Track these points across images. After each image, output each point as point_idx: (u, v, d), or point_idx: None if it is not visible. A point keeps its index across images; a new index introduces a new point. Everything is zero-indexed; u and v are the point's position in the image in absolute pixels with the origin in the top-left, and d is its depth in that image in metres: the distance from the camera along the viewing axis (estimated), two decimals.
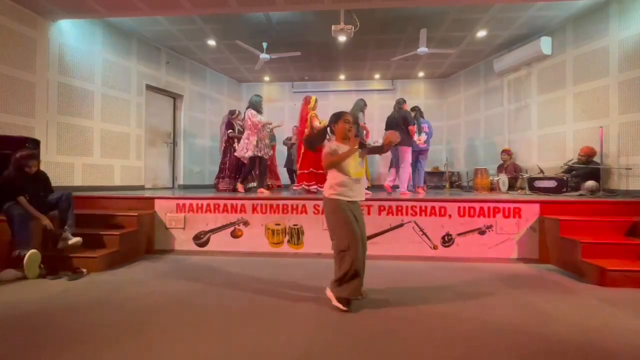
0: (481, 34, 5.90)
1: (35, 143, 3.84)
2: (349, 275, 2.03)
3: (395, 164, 5.23)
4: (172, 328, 1.84)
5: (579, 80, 5.26)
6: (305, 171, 4.77)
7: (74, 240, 2.98)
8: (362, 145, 2.20)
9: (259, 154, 4.94)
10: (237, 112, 5.83)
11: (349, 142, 2.17)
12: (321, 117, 5.07)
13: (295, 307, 2.15)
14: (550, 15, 5.24)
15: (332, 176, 2.15)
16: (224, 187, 5.44)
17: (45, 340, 1.70)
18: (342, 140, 2.19)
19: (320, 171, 4.69)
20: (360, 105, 5.25)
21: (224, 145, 5.70)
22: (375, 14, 5.12)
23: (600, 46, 4.90)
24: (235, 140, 5.45)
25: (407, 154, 4.90)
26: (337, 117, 2.24)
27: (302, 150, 4.92)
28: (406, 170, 4.90)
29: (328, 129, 2.30)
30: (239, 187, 5.02)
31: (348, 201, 2.11)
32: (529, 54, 5.89)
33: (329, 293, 2.16)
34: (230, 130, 5.58)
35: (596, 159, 4.76)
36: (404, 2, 4.01)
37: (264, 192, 4.65)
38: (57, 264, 2.91)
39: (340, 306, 2.06)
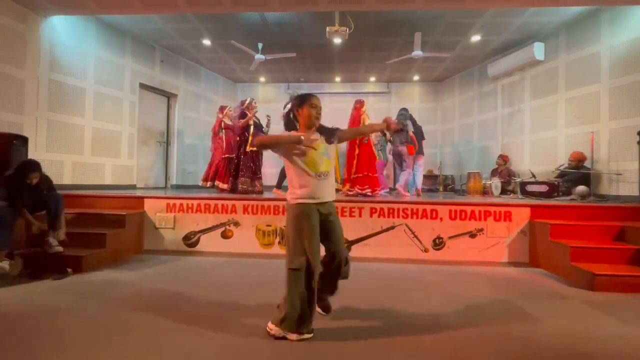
0: (475, 38, 5.94)
1: (23, 140, 3.77)
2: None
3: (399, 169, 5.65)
4: (157, 330, 1.81)
5: (570, 86, 5.31)
6: (361, 175, 4.66)
7: (56, 249, 2.90)
8: (326, 131, 1.85)
9: None
10: (248, 100, 5.16)
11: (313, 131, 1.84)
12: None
13: None
14: (543, 22, 5.29)
15: (291, 176, 1.80)
16: (244, 188, 4.78)
17: (26, 342, 1.66)
18: (307, 129, 1.84)
19: (376, 175, 4.70)
20: (406, 115, 5.41)
21: (237, 140, 5.05)
22: (370, 16, 5.13)
23: (592, 52, 4.96)
24: (250, 136, 4.91)
25: (422, 160, 5.68)
26: (302, 100, 1.84)
27: (357, 153, 4.69)
28: (421, 174, 5.74)
29: (291, 115, 1.90)
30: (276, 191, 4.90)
31: (316, 204, 1.77)
32: (522, 59, 5.94)
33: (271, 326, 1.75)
34: (247, 120, 4.94)
35: (587, 164, 4.80)
36: (398, 5, 4.02)
37: (280, 193, 4.67)
38: (42, 263, 2.85)
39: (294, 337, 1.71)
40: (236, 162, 4.98)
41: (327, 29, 4.72)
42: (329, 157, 1.83)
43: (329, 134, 1.87)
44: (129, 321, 1.91)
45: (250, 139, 4.93)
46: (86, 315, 1.99)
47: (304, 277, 1.70)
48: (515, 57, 6.09)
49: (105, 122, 5.51)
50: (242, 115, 5.04)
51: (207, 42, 6.27)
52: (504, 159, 6.31)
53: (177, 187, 7.01)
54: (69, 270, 2.84)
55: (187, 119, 7.40)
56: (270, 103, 8.83)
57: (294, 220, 1.76)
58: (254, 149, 4.91)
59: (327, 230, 1.82)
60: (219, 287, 2.55)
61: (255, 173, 4.98)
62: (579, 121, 5.15)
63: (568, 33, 5.36)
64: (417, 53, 5.79)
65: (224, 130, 5.38)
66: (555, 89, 5.57)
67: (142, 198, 3.82)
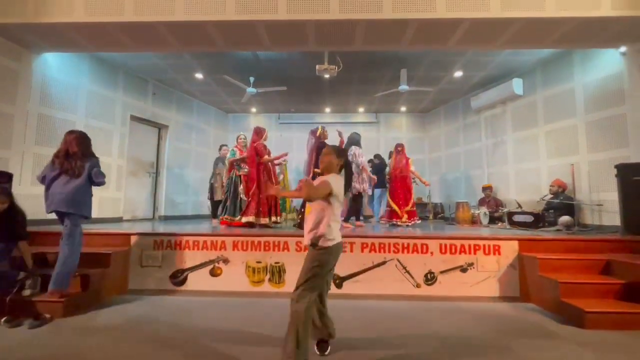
0: (458, 74, 6.25)
1: (8, 177, 3.71)
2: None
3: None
4: None
5: (549, 119, 5.57)
6: (414, 208, 5.54)
7: (28, 291, 2.81)
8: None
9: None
10: (320, 129, 4.91)
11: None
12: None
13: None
14: (520, 60, 5.63)
15: (328, 219, 1.92)
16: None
17: None
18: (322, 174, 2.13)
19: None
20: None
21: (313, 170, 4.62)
22: (358, 54, 5.36)
23: (567, 89, 5.26)
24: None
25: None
26: (342, 152, 2.20)
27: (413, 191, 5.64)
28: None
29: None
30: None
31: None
32: (503, 94, 6.24)
33: None
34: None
35: (570, 194, 4.94)
36: (384, 46, 4.24)
37: (349, 226, 4.84)
38: (17, 308, 2.71)
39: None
40: None
41: (317, 67, 4.92)
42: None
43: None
44: None
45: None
46: None
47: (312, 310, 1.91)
48: (496, 92, 6.40)
49: None
50: (324, 145, 4.52)
51: (199, 75, 6.42)
52: (490, 189, 6.44)
53: (166, 218, 6.88)
54: (47, 316, 2.70)
55: (178, 149, 7.40)
56: None
57: (328, 259, 1.93)
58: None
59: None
60: (204, 334, 2.45)
61: None
62: (559, 152, 5.36)
63: (544, 70, 5.69)
64: (404, 87, 6.05)
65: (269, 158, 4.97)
66: (535, 122, 5.83)
67: (128, 235, 3.73)
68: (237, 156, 5.14)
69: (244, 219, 4.73)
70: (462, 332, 2.54)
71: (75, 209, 2.87)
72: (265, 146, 4.99)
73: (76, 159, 2.94)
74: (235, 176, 5.10)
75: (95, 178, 2.98)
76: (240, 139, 5.36)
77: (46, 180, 2.89)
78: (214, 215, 5.77)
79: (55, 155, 2.96)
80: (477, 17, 3.58)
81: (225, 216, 4.92)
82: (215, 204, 5.78)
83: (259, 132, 5.02)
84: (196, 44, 4.24)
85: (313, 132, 5.00)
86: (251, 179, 4.84)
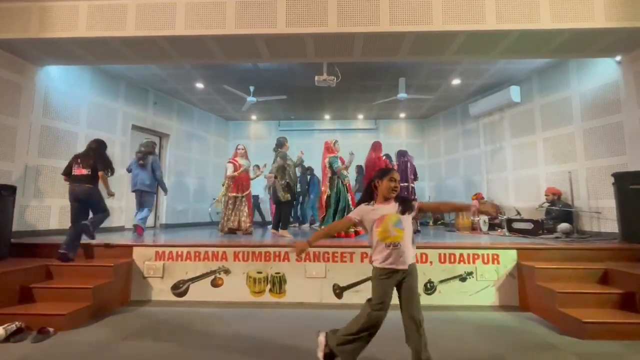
0: (456, 82, 6.31)
1: (11, 190, 3.75)
2: (352, 337, 2.01)
3: None
4: None
5: (547, 126, 5.61)
6: None
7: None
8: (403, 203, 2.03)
9: None
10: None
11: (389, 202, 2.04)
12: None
13: None
14: (516, 68, 5.68)
15: (372, 243, 2.06)
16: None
17: None
18: (384, 200, 2.05)
19: None
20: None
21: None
22: (357, 63, 5.43)
23: (563, 97, 5.31)
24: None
25: None
26: (383, 173, 2.07)
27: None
28: None
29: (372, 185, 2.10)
30: None
31: (388, 270, 1.97)
32: (501, 101, 6.29)
33: (322, 339, 2.16)
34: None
35: (568, 201, 4.97)
36: (382, 57, 4.30)
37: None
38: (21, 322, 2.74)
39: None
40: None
41: (316, 77, 4.97)
42: (401, 228, 1.97)
43: (406, 206, 2.04)
44: None
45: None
46: None
47: (369, 322, 2.01)
48: (494, 99, 6.45)
49: None
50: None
51: (200, 85, 6.49)
52: (479, 198, 6.46)
53: (167, 226, 6.92)
54: (50, 329, 2.73)
55: (179, 157, 7.46)
56: (261, 140, 9.03)
57: (373, 280, 2.08)
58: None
59: (400, 295, 2.03)
60: (204, 348, 2.48)
61: None
62: (557, 160, 5.40)
63: (540, 78, 5.75)
64: (402, 96, 6.10)
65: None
66: (533, 129, 5.87)
67: (130, 246, 3.76)
68: (340, 163, 5.00)
69: None
70: (461, 343, 2.57)
71: (145, 187, 5.16)
72: None
73: (142, 154, 5.22)
74: (341, 185, 4.93)
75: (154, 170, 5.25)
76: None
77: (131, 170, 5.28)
78: (279, 225, 5.00)
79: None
80: (473, 30, 3.64)
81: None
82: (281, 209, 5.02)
83: (378, 147, 5.47)
84: (196, 57, 4.30)
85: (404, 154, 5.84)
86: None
